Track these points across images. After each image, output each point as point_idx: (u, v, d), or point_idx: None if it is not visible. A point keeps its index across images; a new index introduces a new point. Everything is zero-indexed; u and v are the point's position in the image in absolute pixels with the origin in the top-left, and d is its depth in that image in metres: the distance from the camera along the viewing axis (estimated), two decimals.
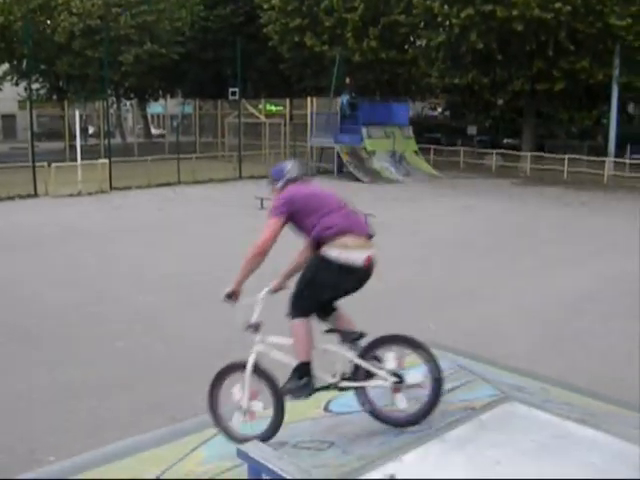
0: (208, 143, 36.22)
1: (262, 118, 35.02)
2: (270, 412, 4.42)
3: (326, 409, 6.20)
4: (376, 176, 28.46)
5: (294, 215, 4.43)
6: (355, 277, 4.37)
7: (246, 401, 4.48)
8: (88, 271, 12.57)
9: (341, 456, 4.93)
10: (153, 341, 8.65)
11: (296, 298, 4.38)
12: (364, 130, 29.87)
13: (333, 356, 4.39)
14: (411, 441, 4.12)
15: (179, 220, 17.94)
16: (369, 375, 4.40)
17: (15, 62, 42.22)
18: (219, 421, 4.76)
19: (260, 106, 36.63)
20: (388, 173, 29.14)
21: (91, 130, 39.51)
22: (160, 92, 45.76)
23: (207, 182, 25.94)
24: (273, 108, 37.06)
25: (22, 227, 17.62)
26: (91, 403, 6.84)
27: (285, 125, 33.83)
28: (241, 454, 2.83)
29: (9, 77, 43.35)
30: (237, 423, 4.56)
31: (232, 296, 4.47)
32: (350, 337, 4.42)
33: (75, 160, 25.59)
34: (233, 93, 34.91)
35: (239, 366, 4.51)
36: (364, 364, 4.38)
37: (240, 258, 4.31)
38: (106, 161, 24.98)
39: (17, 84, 42.91)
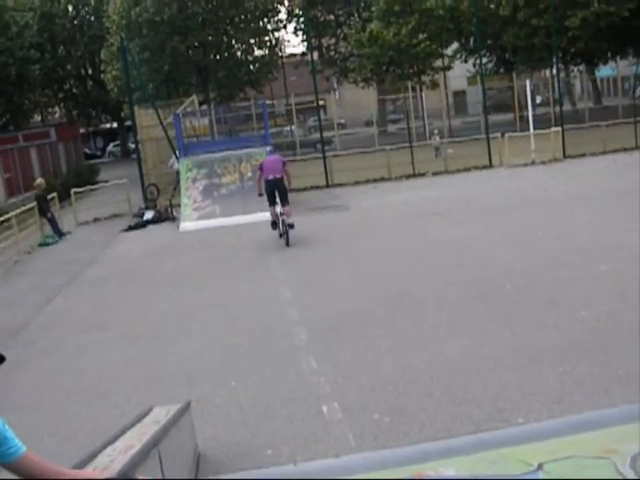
0: None
1: None
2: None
3: None
4: None
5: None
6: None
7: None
8: (542, 237, 12.49)
9: None
10: (619, 310, 8.10)
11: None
12: None
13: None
14: None
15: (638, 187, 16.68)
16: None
17: (463, 40, 43.97)
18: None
19: None
20: None
21: (538, 99, 39.26)
22: (609, 54, 43.45)
23: None
24: None
25: (482, 195, 18.30)
26: (557, 368, 6.61)
27: None
28: None
29: (458, 55, 45.32)
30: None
31: (260, 195, 14.84)
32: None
33: (525, 130, 25.66)
34: None
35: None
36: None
37: None
38: (558, 129, 24.49)
39: (466, 61, 44.64)
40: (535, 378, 6.50)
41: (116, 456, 3.92)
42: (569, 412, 5.72)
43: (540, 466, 4.80)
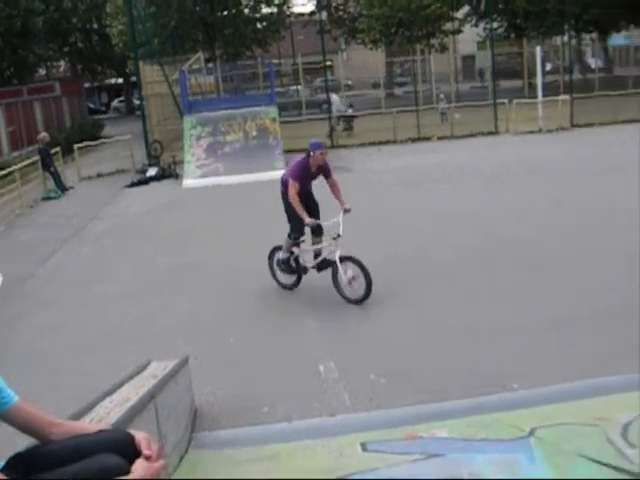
0: None
1: None
2: None
3: None
4: None
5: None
6: None
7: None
8: (541, 207, 12.44)
9: None
10: (623, 283, 8.08)
11: None
12: None
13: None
14: None
15: None
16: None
17: (474, 3, 43.38)
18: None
19: None
20: None
21: (548, 67, 38.72)
22: (622, 23, 42.81)
23: None
24: None
25: (486, 162, 18.09)
26: (553, 341, 6.63)
27: None
28: None
29: (469, 19, 44.73)
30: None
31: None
32: None
33: (533, 97, 25.43)
34: None
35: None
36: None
37: None
38: (567, 97, 24.28)
39: (476, 25, 44.06)
40: (537, 347, 6.53)
41: (112, 408, 3.97)
42: (562, 381, 5.73)
43: (532, 431, 4.86)
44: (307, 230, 8.29)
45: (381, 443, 4.90)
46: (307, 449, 4.99)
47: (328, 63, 30.00)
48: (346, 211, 8.12)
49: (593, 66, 43.15)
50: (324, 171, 8.45)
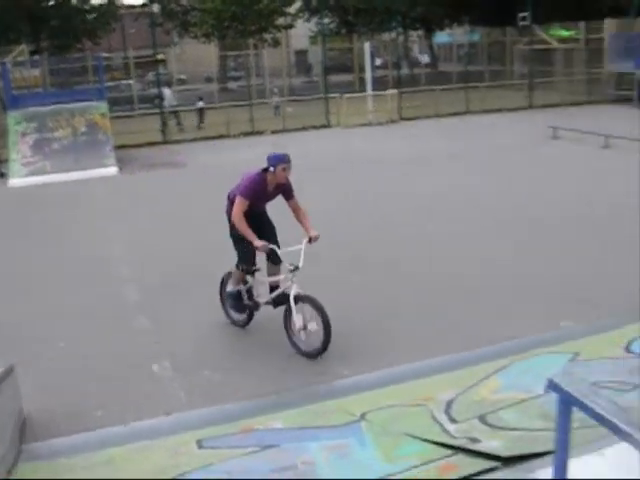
0: (496, 72, 35.06)
1: (554, 44, 33.00)
2: None
3: (628, 350, 5.82)
4: None
5: None
6: None
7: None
8: (372, 198, 12.88)
9: None
10: (450, 268, 8.53)
11: None
12: None
13: None
14: None
15: (467, 150, 17.63)
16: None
17: None
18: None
19: (551, 31, 34.53)
20: None
21: (378, 62, 40.10)
22: (446, 21, 45.13)
23: (496, 111, 25.14)
24: (565, 33, 34.70)
25: (316, 155, 18.46)
26: (401, 325, 6.94)
27: (579, 51, 31.58)
28: (552, 385, 2.69)
29: (301, 14, 45.40)
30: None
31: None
32: None
33: (364, 91, 26.27)
34: (523, 18, 33.10)
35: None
36: None
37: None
38: (395, 92, 25.30)
39: (309, 20, 44.81)
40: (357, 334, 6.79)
41: None
42: (395, 363, 6.01)
43: (363, 415, 5.07)
44: (262, 257, 6.69)
45: (216, 439, 4.94)
46: (144, 450, 4.93)
47: (160, 57, 29.51)
48: (312, 240, 6.48)
49: (422, 62, 45.14)
50: (284, 191, 6.66)
